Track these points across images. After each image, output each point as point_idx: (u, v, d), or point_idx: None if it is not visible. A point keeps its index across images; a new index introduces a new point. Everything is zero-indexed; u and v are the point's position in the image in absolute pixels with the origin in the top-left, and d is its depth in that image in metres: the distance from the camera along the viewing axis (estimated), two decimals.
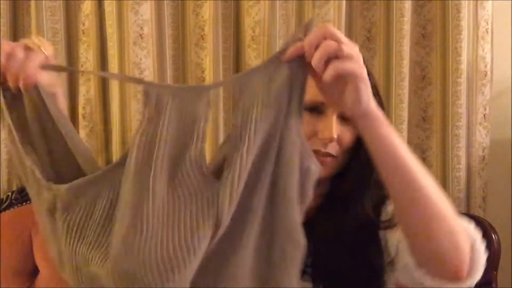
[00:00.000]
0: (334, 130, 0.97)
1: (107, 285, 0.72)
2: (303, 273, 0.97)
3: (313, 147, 0.97)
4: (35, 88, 0.78)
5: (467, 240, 0.86)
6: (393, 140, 0.81)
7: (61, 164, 0.80)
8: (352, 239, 0.99)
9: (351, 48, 0.76)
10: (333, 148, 0.99)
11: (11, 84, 0.77)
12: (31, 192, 0.81)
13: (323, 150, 0.99)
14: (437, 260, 0.85)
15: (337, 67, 0.75)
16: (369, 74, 0.83)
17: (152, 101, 0.74)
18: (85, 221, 0.76)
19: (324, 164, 0.99)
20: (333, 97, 0.81)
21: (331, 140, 0.98)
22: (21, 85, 0.76)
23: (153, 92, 0.75)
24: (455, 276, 0.85)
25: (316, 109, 0.99)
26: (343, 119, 0.99)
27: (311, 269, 0.98)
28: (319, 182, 1.03)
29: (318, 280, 0.98)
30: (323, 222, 1.01)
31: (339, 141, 0.99)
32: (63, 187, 0.76)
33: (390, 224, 0.99)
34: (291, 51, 0.77)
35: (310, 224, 1.02)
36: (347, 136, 1.01)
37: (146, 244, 0.69)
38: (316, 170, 0.79)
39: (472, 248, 0.87)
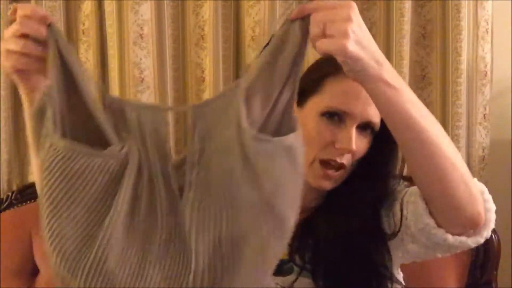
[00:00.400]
0: (354, 142, 0.97)
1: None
2: (303, 269, 0.98)
3: (328, 157, 0.99)
4: (50, 28, 0.74)
5: (478, 190, 0.89)
6: (399, 97, 0.80)
7: (76, 125, 0.76)
8: (352, 237, 1.00)
9: (335, 22, 0.73)
10: (347, 159, 0.99)
11: (33, 31, 0.74)
12: (39, 147, 0.74)
13: (338, 160, 0.99)
14: (456, 210, 0.87)
15: (318, 48, 0.75)
16: None
17: (116, 112, 0.75)
18: (71, 195, 0.71)
19: (332, 177, 1.00)
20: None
21: (350, 151, 0.98)
22: (39, 28, 0.73)
23: (113, 101, 0.76)
24: (474, 224, 0.89)
25: (336, 117, 0.99)
26: (361, 129, 1.00)
27: (310, 265, 0.99)
28: (325, 190, 1.03)
29: (317, 276, 0.98)
30: (323, 221, 1.02)
31: (353, 152, 0.99)
32: (62, 141, 0.72)
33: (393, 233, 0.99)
34: (296, 11, 0.76)
35: (309, 222, 1.02)
36: (362, 148, 1.01)
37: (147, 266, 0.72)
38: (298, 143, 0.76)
39: (483, 198, 0.90)
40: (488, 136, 1.57)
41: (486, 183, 1.54)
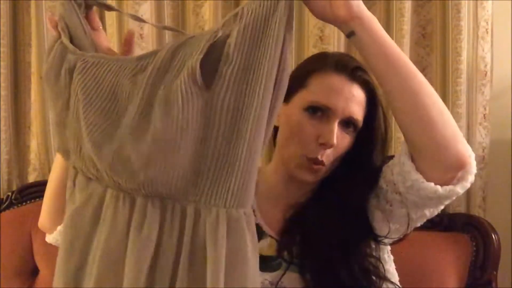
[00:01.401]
0: (335, 137, 0.99)
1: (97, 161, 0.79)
2: (290, 263, 0.99)
3: (313, 155, 1.00)
4: None
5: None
6: (388, 37, 0.88)
7: None
8: (339, 231, 1.01)
9: None
10: (328, 156, 1.01)
11: None
12: (52, 58, 0.85)
13: (319, 158, 1.00)
14: (442, 148, 0.91)
15: None
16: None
17: None
18: (98, 89, 0.81)
19: (317, 172, 1.02)
20: (325, 13, 0.85)
21: (331, 145, 0.99)
22: None
23: None
24: (461, 163, 0.92)
25: (320, 112, 1.01)
26: (343, 125, 1.02)
27: (299, 260, 1.00)
28: (307, 185, 1.05)
29: (305, 270, 0.99)
30: (311, 217, 1.03)
31: (335, 147, 1.01)
32: (88, 53, 0.83)
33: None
34: None
35: (298, 218, 1.03)
36: (344, 143, 1.02)
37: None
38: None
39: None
40: (488, 136, 1.57)
41: (486, 183, 1.56)
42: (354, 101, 1.01)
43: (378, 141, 1.05)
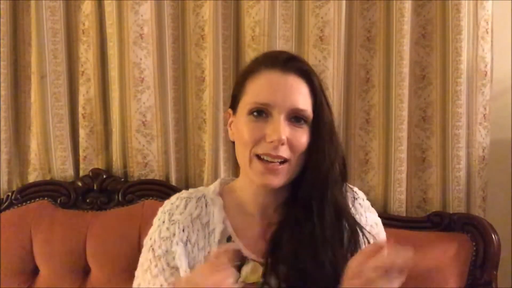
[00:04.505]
0: (282, 131, 0.95)
1: None
2: None
3: (262, 151, 0.97)
4: None
5: None
6: None
7: None
8: (318, 248, 0.97)
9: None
10: (284, 151, 0.97)
11: None
12: None
13: (273, 153, 0.96)
14: None
15: None
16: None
17: None
18: None
19: (276, 172, 0.97)
20: None
21: (279, 141, 0.95)
22: None
23: None
24: None
25: (262, 112, 0.98)
26: (294, 121, 0.98)
27: (286, 284, 0.96)
28: (276, 192, 1.00)
29: None
30: (291, 235, 0.99)
31: (290, 144, 0.97)
32: None
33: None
34: None
35: (278, 237, 0.99)
36: (299, 139, 0.98)
37: None
38: None
39: None
40: (488, 136, 1.57)
41: (486, 183, 1.56)
42: (294, 92, 0.98)
43: (326, 131, 1.01)
